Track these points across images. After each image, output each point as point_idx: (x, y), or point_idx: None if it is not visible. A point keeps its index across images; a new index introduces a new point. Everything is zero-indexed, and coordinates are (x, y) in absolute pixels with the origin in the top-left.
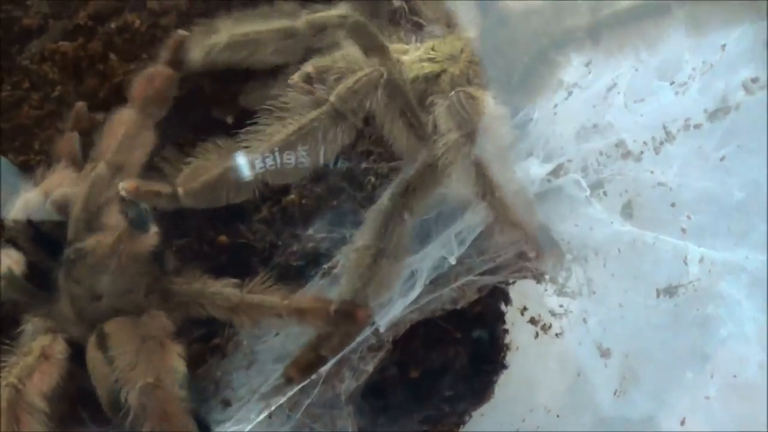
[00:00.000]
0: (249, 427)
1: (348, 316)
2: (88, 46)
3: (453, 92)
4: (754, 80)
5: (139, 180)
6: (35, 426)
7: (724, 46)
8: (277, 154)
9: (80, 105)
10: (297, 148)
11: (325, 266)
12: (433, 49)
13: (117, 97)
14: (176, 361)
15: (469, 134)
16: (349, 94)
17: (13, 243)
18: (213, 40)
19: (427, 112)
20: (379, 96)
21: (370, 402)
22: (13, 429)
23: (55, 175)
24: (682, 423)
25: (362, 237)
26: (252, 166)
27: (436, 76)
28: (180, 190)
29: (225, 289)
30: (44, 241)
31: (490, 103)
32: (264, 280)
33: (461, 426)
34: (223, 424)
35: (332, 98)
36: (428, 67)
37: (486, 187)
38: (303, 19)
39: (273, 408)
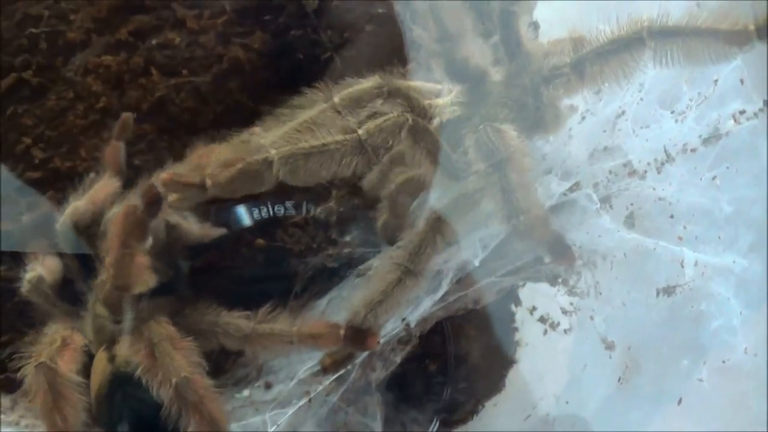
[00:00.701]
0: (292, 411)
1: (357, 341)
2: (131, 61)
3: (481, 126)
4: (741, 112)
5: (172, 172)
6: (78, 398)
7: (716, 81)
8: (296, 159)
9: (126, 116)
10: (314, 161)
11: (361, 267)
12: (462, 93)
13: (159, 109)
14: (197, 355)
15: (496, 164)
16: (376, 131)
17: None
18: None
19: (462, 153)
20: (403, 137)
21: (393, 391)
22: (60, 404)
23: (102, 184)
24: (679, 403)
25: (395, 254)
26: (273, 163)
27: (467, 119)
28: (208, 181)
29: (237, 320)
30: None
31: (514, 136)
32: (271, 309)
33: (475, 415)
34: (265, 404)
35: (361, 131)
36: (459, 111)
37: (512, 212)
38: (339, 95)
39: (313, 394)
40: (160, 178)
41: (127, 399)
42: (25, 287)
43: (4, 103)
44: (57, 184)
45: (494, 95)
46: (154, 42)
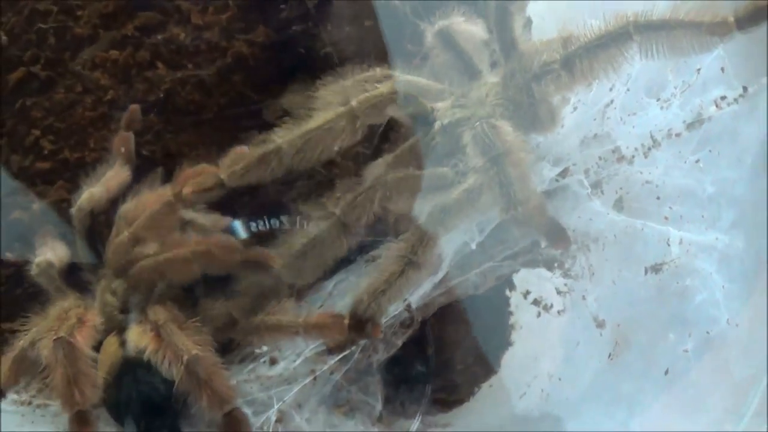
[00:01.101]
0: (297, 387)
1: (360, 330)
2: (137, 55)
3: (477, 123)
4: (723, 98)
5: (189, 185)
6: (96, 374)
7: (699, 69)
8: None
9: (134, 107)
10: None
11: (371, 253)
12: (462, 95)
13: (166, 102)
14: (203, 333)
15: (493, 159)
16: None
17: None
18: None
19: (461, 154)
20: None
21: (393, 372)
22: (78, 379)
23: (114, 173)
24: (666, 373)
25: (399, 246)
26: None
27: (467, 120)
28: (223, 175)
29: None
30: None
31: (509, 131)
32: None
33: (471, 396)
34: (270, 380)
35: (354, 103)
36: (459, 113)
37: (510, 203)
38: (356, 102)
39: (318, 373)
40: (183, 193)
41: (137, 384)
42: (34, 270)
43: (14, 96)
44: (66, 174)
45: (492, 96)
46: (159, 37)
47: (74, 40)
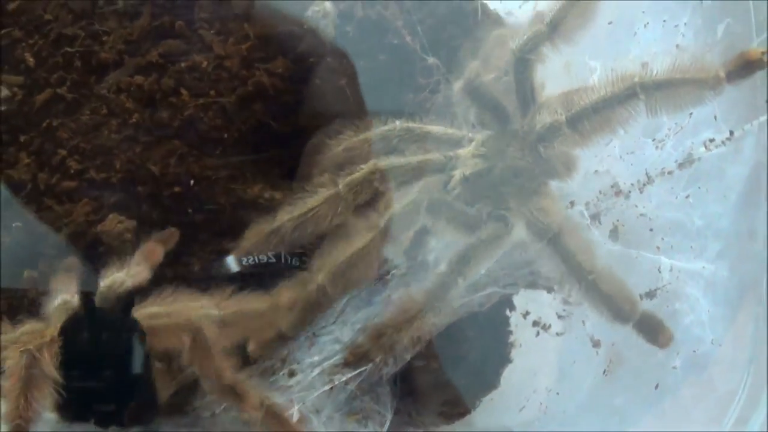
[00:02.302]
0: (315, 394)
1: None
2: (161, 81)
3: (526, 210)
4: (711, 140)
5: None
6: (48, 392)
7: (691, 114)
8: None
9: (173, 232)
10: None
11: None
12: (483, 145)
13: (188, 127)
14: None
15: (551, 240)
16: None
17: None
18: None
19: (484, 205)
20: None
21: (400, 385)
22: (30, 392)
23: (137, 271)
24: (656, 387)
25: (418, 293)
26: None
27: (488, 171)
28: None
29: None
30: None
31: (556, 210)
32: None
33: (473, 409)
34: (290, 389)
35: (341, 187)
36: (480, 164)
37: (580, 274)
38: (342, 186)
39: (336, 382)
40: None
41: None
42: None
43: (41, 116)
44: (92, 193)
45: (512, 147)
46: (183, 65)
47: (100, 64)
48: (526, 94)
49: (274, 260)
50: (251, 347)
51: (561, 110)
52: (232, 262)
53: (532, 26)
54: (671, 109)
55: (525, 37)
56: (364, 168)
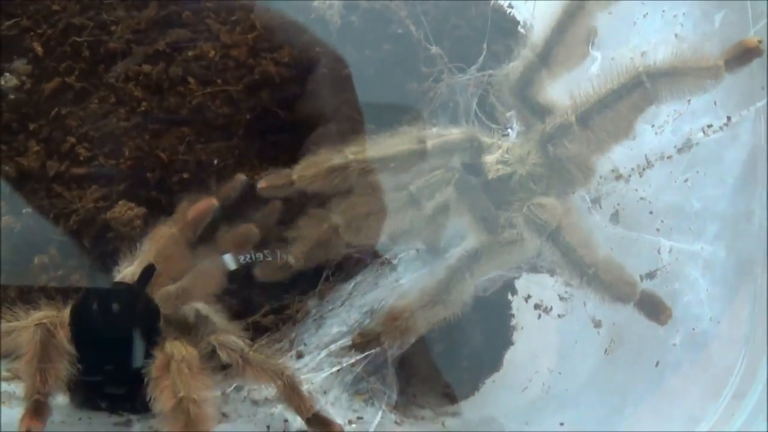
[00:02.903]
0: (323, 375)
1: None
2: (169, 70)
3: (525, 208)
4: (709, 126)
5: (266, 179)
6: (63, 366)
7: (689, 101)
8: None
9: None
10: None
11: (386, 256)
12: (507, 152)
13: (196, 115)
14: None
15: (551, 236)
16: (425, 185)
17: None
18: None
19: (503, 210)
20: (450, 190)
21: (405, 368)
22: (46, 366)
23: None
24: (657, 365)
25: (429, 285)
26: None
27: (509, 177)
28: (295, 176)
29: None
30: None
31: (556, 205)
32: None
33: (476, 391)
34: (298, 371)
35: (412, 188)
36: (502, 170)
37: (582, 268)
38: (432, 143)
39: (344, 364)
40: (258, 186)
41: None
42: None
43: (50, 105)
44: (101, 179)
45: (532, 154)
46: (190, 53)
47: (108, 53)
48: (538, 112)
49: (270, 258)
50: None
51: (570, 111)
52: (229, 260)
53: (523, 58)
54: (674, 96)
55: (518, 72)
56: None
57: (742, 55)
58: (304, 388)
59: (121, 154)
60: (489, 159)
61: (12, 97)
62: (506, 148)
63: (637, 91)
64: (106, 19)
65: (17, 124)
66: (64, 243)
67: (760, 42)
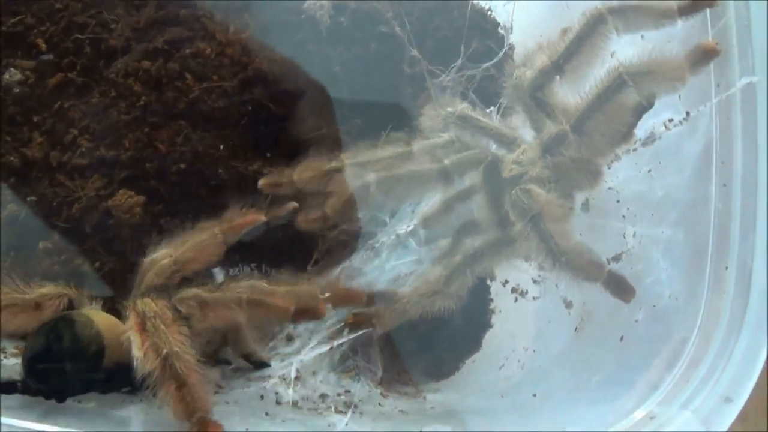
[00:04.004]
0: (315, 352)
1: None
2: (167, 66)
3: (513, 192)
4: (670, 120)
5: (268, 177)
6: None
7: None
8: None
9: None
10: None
11: (370, 241)
12: (523, 152)
13: (193, 108)
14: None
15: (532, 219)
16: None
17: None
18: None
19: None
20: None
21: (389, 347)
22: None
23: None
24: (621, 339)
25: (432, 276)
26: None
27: (520, 177)
28: (295, 177)
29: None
30: None
31: (541, 192)
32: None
33: (456, 370)
34: (288, 357)
35: (447, 161)
36: (516, 170)
37: (555, 256)
38: (449, 161)
39: (335, 344)
40: (260, 184)
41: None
42: None
43: (53, 98)
44: (102, 169)
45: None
46: (187, 51)
47: (108, 50)
48: (549, 112)
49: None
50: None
51: (565, 121)
52: (218, 274)
53: (537, 62)
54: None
55: (532, 76)
56: (444, 136)
57: (702, 58)
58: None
59: (122, 145)
60: (508, 157)
61: (16, 90)
62: (523, 149)
63: (622, 90)
64: (107, 18)
65: (21, 117)
66: (67, 229)
67: (717, 44)
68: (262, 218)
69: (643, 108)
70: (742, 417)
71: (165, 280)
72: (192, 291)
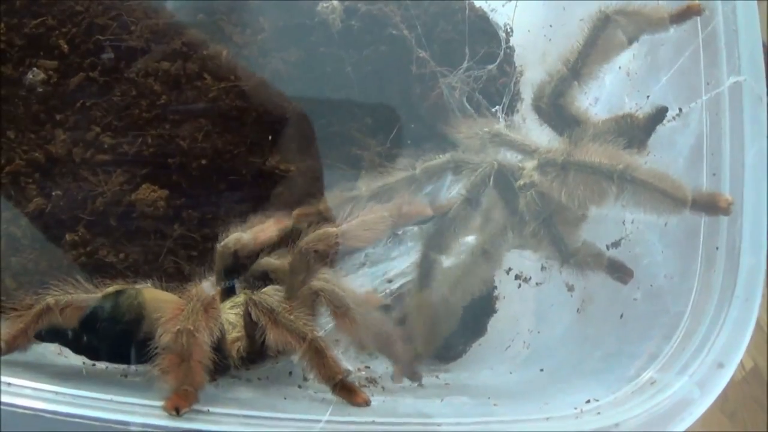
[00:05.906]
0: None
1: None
2: (186, 66)
3: (528, 193)
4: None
5: (300, 209)
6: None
7: (648, 96)
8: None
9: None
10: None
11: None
12: (540, 164)
13: (212, 107)
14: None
15: (545, 220)
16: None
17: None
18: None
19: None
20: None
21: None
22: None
23: (268, 225)
24: (621, 317)
25: (456, 271)
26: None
27: (533, 185)
28: (322, 207)
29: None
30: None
31: (554, 195)
32: None
33: (464, 353)
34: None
35: (463, 191)
36: (527, 179)
37: (564, 257)
38: (419, 168)
39: None
40: (294, 214)
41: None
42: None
43: (75, 97)
44: (125, 165)
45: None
46: (205, 52)
47: (129, 51)
48: (569, 122)
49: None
50: None
51: (559, 154)
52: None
53: (554, 71)
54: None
55: (552, 85)
56: (443, 158)
57: (683, 13)
58: (331, 353)
59: (144, 142)
60: (528, 166)
61: (40, 90)
62: (542, 162)
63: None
64: (127, 20)
65: (45, 115)
66: (92, 222)
67: (700, 5)
68: (429, 212)
69: (654, 121)
70: (731, 414)
71: (325, 246)
72: (270, 302)
